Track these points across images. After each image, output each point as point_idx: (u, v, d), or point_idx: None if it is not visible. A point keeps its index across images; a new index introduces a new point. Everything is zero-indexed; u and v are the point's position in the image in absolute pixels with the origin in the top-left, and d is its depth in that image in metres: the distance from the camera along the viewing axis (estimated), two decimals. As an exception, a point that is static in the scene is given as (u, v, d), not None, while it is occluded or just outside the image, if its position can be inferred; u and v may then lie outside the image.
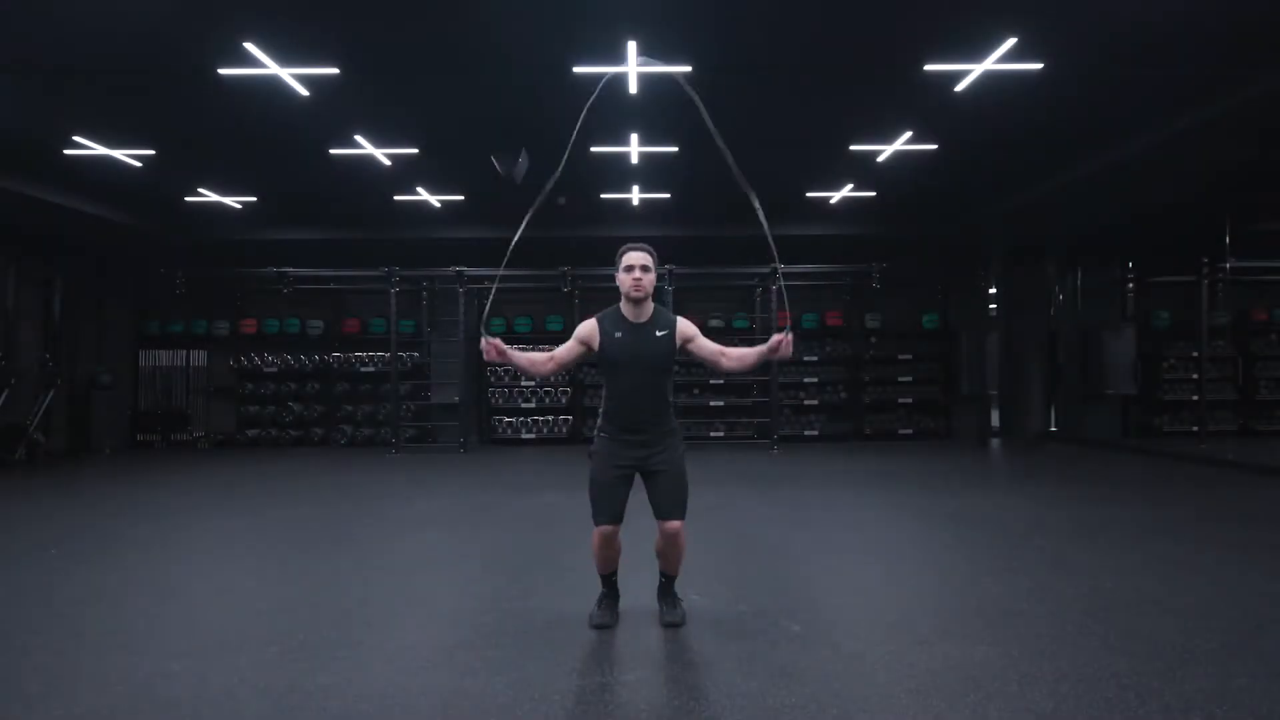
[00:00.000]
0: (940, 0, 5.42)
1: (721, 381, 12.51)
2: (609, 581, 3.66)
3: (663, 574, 3.65)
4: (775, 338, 3.31)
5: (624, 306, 3.48)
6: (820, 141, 8.40)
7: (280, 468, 10.00)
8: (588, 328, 3.50)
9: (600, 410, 3.56)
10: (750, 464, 9.71)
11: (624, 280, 3.43)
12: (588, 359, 3.54)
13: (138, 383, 12.93)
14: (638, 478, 3.48)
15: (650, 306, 3.49)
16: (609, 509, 3.41)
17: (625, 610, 3.69)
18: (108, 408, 12.31)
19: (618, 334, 3.43)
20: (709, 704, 2.71)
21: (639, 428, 3.43)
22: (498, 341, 3.41)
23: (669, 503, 3.43)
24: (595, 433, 3.56)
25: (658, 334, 3.44)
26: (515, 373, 12.46)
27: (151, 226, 11.22)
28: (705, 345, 3.52)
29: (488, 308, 4.29)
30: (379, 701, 2.75)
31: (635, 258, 3.42)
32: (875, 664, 3.05)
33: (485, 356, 3.44)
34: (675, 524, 3.43)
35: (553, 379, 12.60)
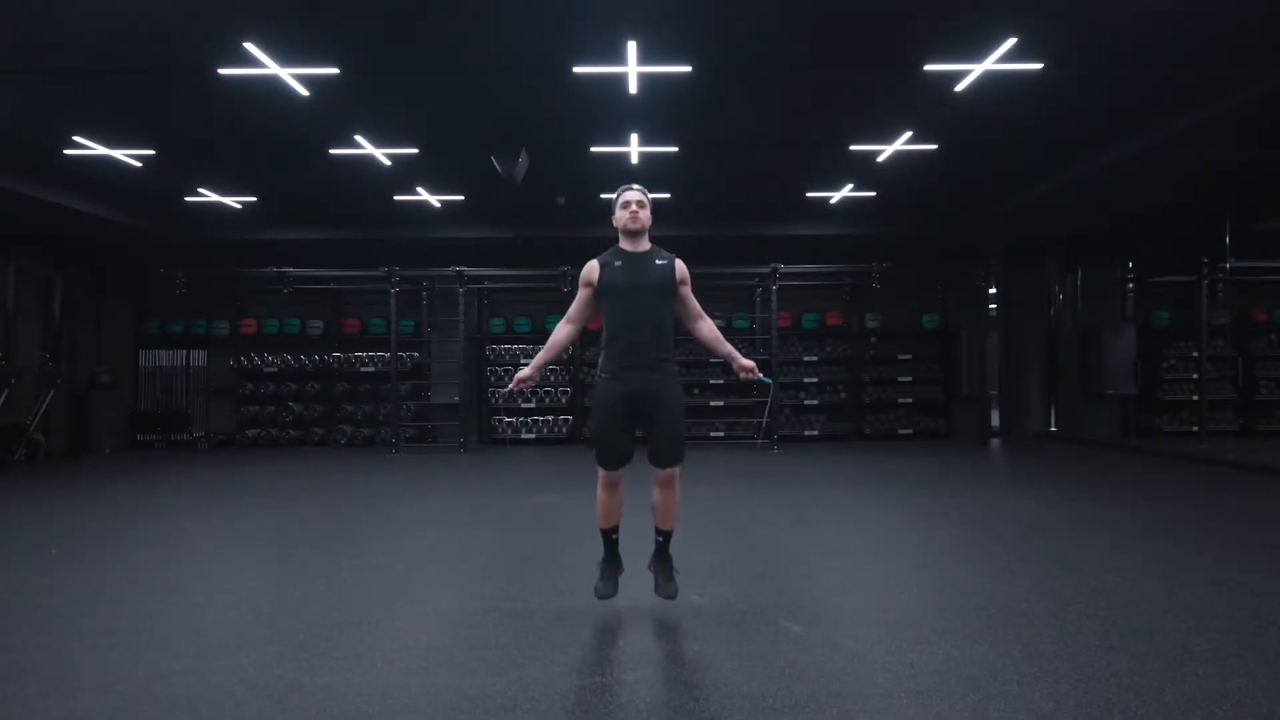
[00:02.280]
0: (940, 0, 5.42)
1: (721, 381, 12.52)
2: (610, 541, 3.69)
3: (659, 532, 3.68)
4: (753, 366, 3.58)
5: (623, 242, 3.61)
6: (820, 141, 8.40)
7: (280, 468, 10.00)
8: (588, 268, 3.62)
9: (600, 348, 3.60)
10: (751, 464, 9.71)
11: (622, 216, 3.58)
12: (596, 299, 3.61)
13: (138, 383, 12.94)
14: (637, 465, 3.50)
15: (648, 242, 3.62)
16: (614, 455, 3.51)
17: (626, 610, 3.69)
18: (108, 408, 12.31)
19: (617, 263, 3.55)
20: (709, 704, 2.70)
21: (639, 360, 3.47)
22: (521, 374, 3.60)
23: (667, 448, 3.51)
24: (596, 375, 3.61)
25: (657, 262, 3.56)
26: (515, 371, 12.45)
27: (151, 226, 11.22)
28: (691, 298, 3.67)
29: (508, 389, 4.30)
30: (379, 701, 2.75)
31: (632, 195, 3.59)
32: (875, 664, 3.05)
33: (525, 389, 3.63)
34: (672, 469, 3.53)
35: (553, 378, 12.62)
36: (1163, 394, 12.60)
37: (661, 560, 3.69)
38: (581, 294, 3.63)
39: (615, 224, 3.62)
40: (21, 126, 7.70)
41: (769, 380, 3.73)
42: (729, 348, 3.69)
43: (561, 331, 3.68)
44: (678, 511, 3.65)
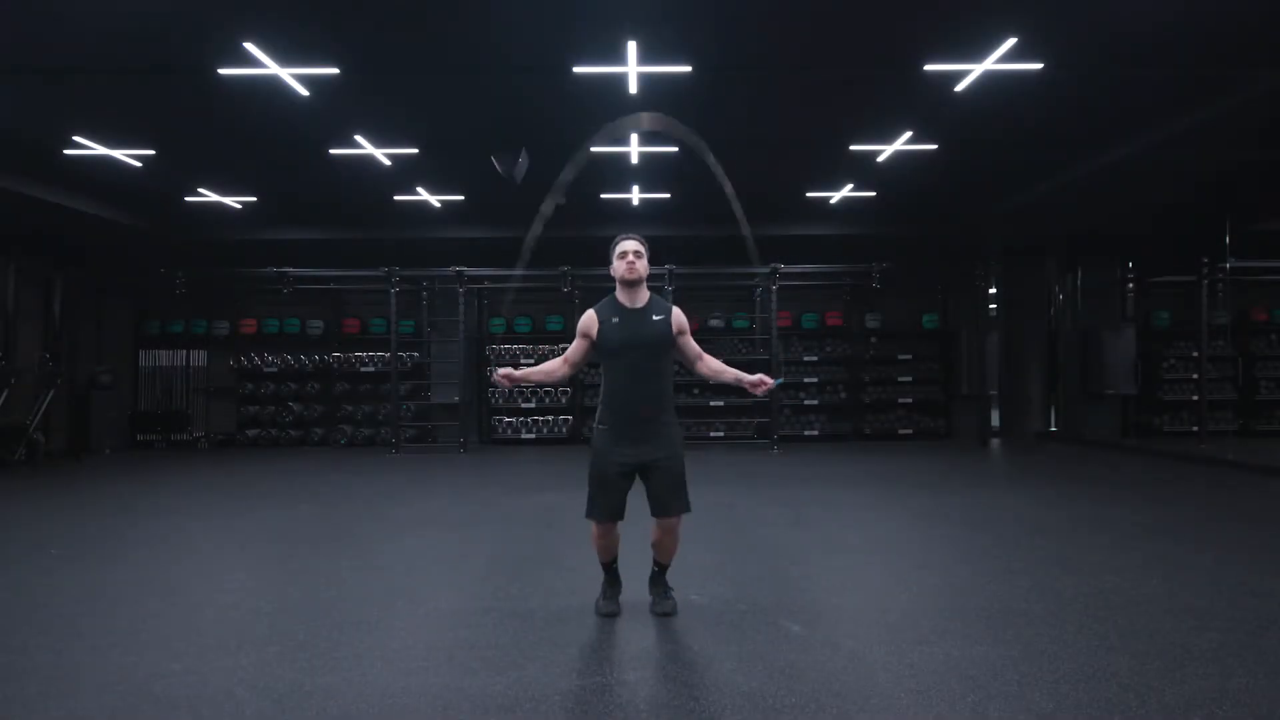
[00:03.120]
0: (940, 0, 5.42)
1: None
2: (610, 569, 3.71)
3: (656, 563, 3.70)
4: (760, 376, 3.49)
5: (619, 294, 3.54)
6: (820, 141, 8.40)
7: (280, 468, 10.00)
8: (586, 319, 3.55)
9: (599, 402, 3.57)
10: (750, 464, 9.71)
11: (618, 266, 3.51)
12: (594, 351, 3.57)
13: (138, 383, 12.94)
14: (637, 479, 3.50)
15: (646, 293, 3.56)
16: (608, 508, 3.46)
17: (626, 610, 3.69)
18: (108, 408, 12.31)
19: (614, 319, 3.49)
20: (709, 704, 2.70)
21: (639, 417, 3.44)
22: (508, 370, 3.49)
23: (669, 500, 3.46)
24: (595, 425, 3.56)
25: (654, 318, 3.49)
26: (509, 370, 12.44)
27: (151, 226, 11.23)
28: (690, 344, 3.63)
29: (495, 353, 4.25)
30: (379, 701, 2.75)
31: (628, 245, 3.52)
32: (875, 664, 3.05)
33: (502, 385, 3.51)
34: (674, 520, 3.50)
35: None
36: (1163, 394, 12.59)
37: (658, 583, 3.72)
38: (579, 343, 3.56)
39: (612, 273, 3.54)
40: (21, 126, 7.70)
41: (781, 379, 3.73)
42: (733, 373, 3.62)
43: (559, 370, 3.59)
44: (677, 547, 3.65)
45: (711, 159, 3.74)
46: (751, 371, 3.66)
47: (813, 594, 4.05)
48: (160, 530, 5.95)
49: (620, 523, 3.54)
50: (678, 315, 3.56)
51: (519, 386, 3.59)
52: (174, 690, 2.87)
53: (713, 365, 3.68)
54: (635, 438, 3.43)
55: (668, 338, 3.50)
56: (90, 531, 5.91)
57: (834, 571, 4.56)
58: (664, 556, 3.66)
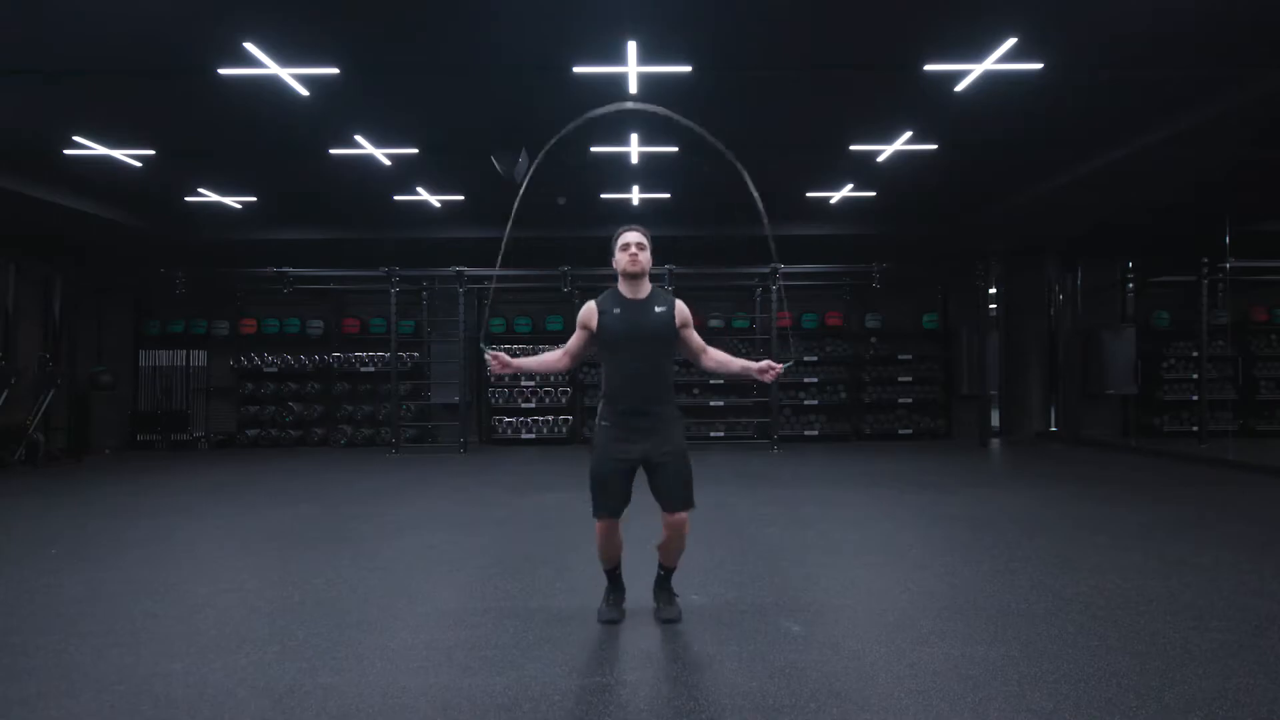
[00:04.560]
0: (940, 0, 5.42)
1: (722, 382, 12.52)
2: (613, 576, 3.67)
3: (661, 566, 3.65)
4: (768, 363, 3.43)
5: (622, 285, 3.50)
6: (820, 141, 8.40)
7: (280, 468, 10.00)
8: (587, 310, 3.51)
9: (601, 396, 3.52)
10: (750, 464, 9.71)
11: (620, 259, 3.47)
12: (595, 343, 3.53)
13: (138, 383, 12.93)
14: (639, 473, 3.46)
15: (648, 285, 3.52)
16: (610, 503, 3.41)
17: (626, 611, 3.69)
18: (108, 408, 12.31)
19: (616, 310, 3.44)
20: (709, 704, 2.70)
21: (640, 410, 3.39)
22: (501, 355, 3.45)
23: (675, 495, 3.40)
24: (596, 420, 3.52)
25: (657, 309, 3.45)
26: (515, 373, 12.44)
27: (151, 226, 11.22)
28: (694, 337, 3.58)
29: (484, 331, 4.24)
30: (379, 701, 2.75)
31: (631, 236, 3.48)
32: (875, 664, 3.05)
33: (491, 371, 3.46)
34: (682, 515, 3.42)
35: (553, 378, 12.61)
36: (1163, 394, 12.60)
37: (662, 589, 3.67)
38: (580, 335, 3.51)
39: (614, 265, 3.49)
40: (21, 126, 7.69)
41: (789, 363, 3.68)
42: (739, 362, 3.57)
43: (558, 361, 3.56)
44: (684, 549, 3.57)
45: (721, 146, 3.68)
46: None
47: (813, 594, 4.05)
48: (160, 530, 5.95)
49: (623, 522, 3.49)
50: (681, 308, 3.51)
51: (515, 376, 3.54)
52: (174, 690, 2.87)
53: (718, 357, 3.61)
54: (637, 433, 3.37)
55: (671, 330, 3.45)
56: (90, 531, 5.91)
57: (834, 571, 4.56)
58: (669, 559, 3.60)
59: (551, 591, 4.09)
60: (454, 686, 2.88)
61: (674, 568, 3.65)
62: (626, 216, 11.46)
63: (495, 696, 2.78)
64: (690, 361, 3.67)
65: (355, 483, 8.54)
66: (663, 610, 3.61)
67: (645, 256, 3.46)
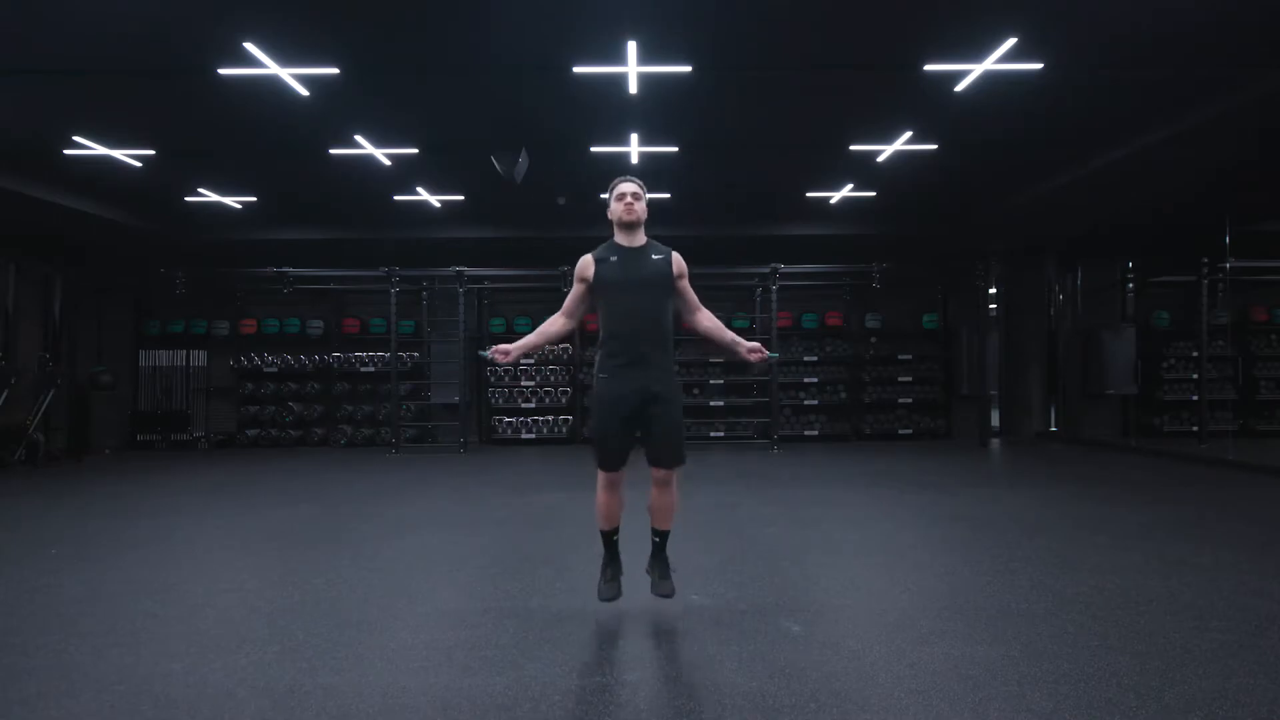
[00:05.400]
0: (940, 0, 5.42)
1: (721, 382, 12.52)
2: (610, 543, 3.66)
3: (655, 532, 3.65)
4: (759, 346, 3.50)
5: (618, 235, 3.54)
6: (820, 141, 8.40)
7: (280, 468, 10.00)
8: (582, 262, 3.54)
9: (598, 349, 3.53)
10: (750, 464, 9.71)
11: (616, 208, 3.51)
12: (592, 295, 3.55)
13: (138, 383, 12.94)
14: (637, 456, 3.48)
15: (644, 236, 3.55)
16: (613, 456, 3.46)
17: (626, 610, 3.69)
18: (108, 408, 12.31)
19: (613, 258, 3.47)
20: (709, 704, 2.70)
21: (639, 360, 3.40)
22: (500, 345, 3.47)
23: (665, 452, 3.45)
24: (595, 374, 3.53)
25: (654, 257, 3.49)
26: (515, 372, 12.48)
27: (151, 226, 11.22)
28: (689, 291, 3.61)
29: (487, 340, 4.25)
30: (379, 701, 2.75)
31: (627, 186, 3.53)
32: (875, 664, 3.05)
33: (500, 362, 3.48)
34: (670, 473, 3.47)
35: (553, 378, 12.61)
36: (1163, 394, 12.60)
37: (658, 560, 3.67)
38: (576, 289, 3.56)
39: (610, 216, 3.55)
40: (21, 126, 7.69)
41: (775, 355, 3.70)
42: (731, 335, 3.64)
43: (555, 323, 3.60)
44: (675, 508, 3.61)
45: None
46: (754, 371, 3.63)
47: (813, 594, 4.05)
48: (160, 530, 5.95)
49: (625, 472, 3.51)
50: (677, 259, 3.55)
51: (515, 376, 3.55)
52: (174, 690, 2.87)
53: (712, 320, 3.66)
54: (635, 375, 3.40)
55: (668, 277, 3.48)
56: (90, 531, 5.91)
57: (834, 571, 4.56)
58: (662, 521, 3.61)
59: (551, 591, 4.09)
60: (454, 686, 2.88)
61: (668, 531, 3.65)
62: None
63: (495, 696, 2.78)
64: (684, 318, 3.68)
65: (355, 483, 8.54)
66: (658, 585, 3.62)
67: (641, 206, 3.51)
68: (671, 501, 3.57)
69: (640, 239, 3.53)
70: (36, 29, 5.62)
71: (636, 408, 3.42)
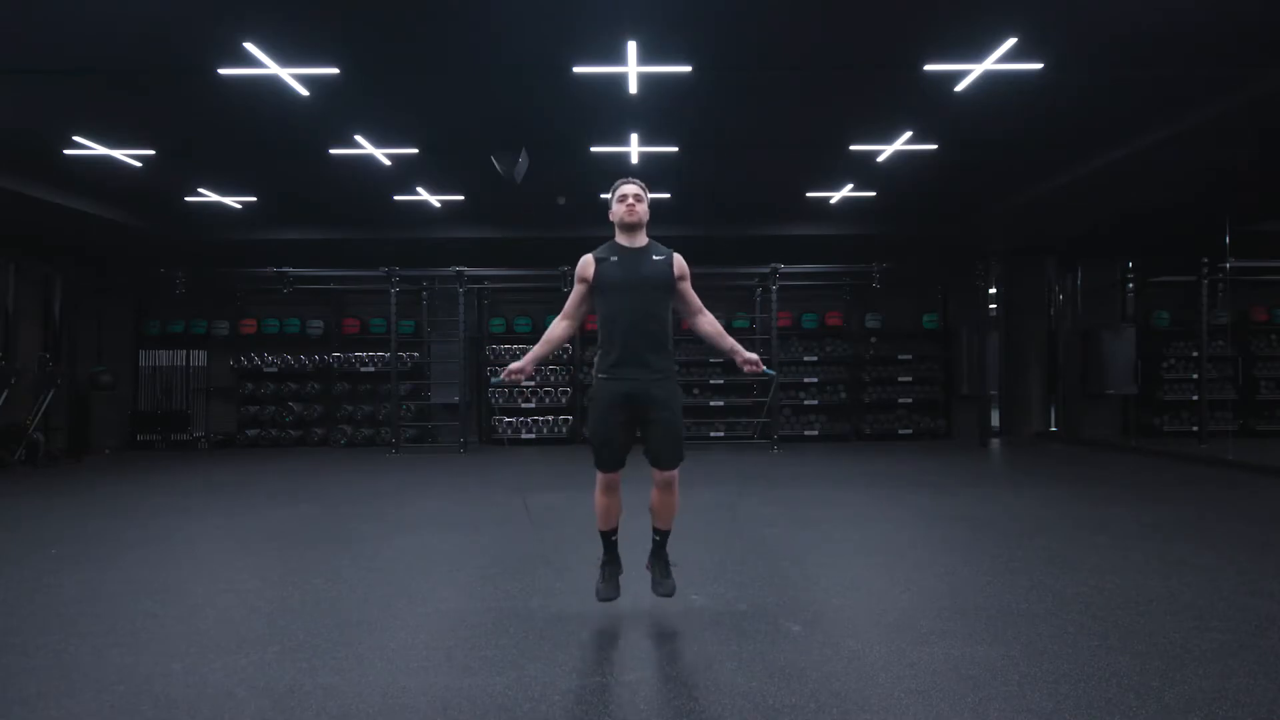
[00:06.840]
0: (940, 0, 5.42)
1: (722, 382, 12.52)
2: (610, 543, 3.66)
3: (656, 531, 3.65)
4: (756, 359, 3.48)
5: (619, 237, 3.54)
6: (820, 141, 8.40)
7: (280, 468, 10.00)
8: (583, 262, 3.54)
9: (597, 349, 3.54)
10: (751, 464, 9.71)
11: (618, 210, 3.51)
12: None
13: (138, 383, 12.94)
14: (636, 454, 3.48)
15: (645, 237, 3.55)
16: (611, 457, 3.46)
17: (626, 610, 3.69)
18: (108, 408, 12.31)
19: (613, 259, 3.47)
20: (709, 704, 2.70)
21: (638, 360, 3.40)
22: (512, 366, 3.51)
23: (667, 450, 3.44)
24: (593, 375, 3.54)
25: (655, 258, 3.49)
26: (533, 367, 12.44)
27: (151, 226, 11.22)
28: (690, 293, 3.61)
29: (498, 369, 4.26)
30: (379, 701, 2.75)
31: (629, 188, 3.53)
32: (875, 664, 3.05)
33: (520, 382, 3.52)
34: (672, 472, 3.47)
35: (553, 378, 12.61)
36: (1163, 394, 12.60)
37: (658, 559, 3.67)
38: (577, 289, 3.55)
39: (611, 218, 3.55)
40: (21, 126, 7.69)
41: (773, 372, 3.68)
42: (731, 341, 3.62)
43: (558, 328, 3.60)
44: (676, 508, 3.61)
45: None
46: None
47: (813, 594, 4.05)
48: (160, 530, 5.95)
49: (623, 472, 3.50)
50: (679, 260, 3.54)
51: (524, 374, 3.55)
52: (174, 690, 2.87)
53: (713, 324, 3.64)
54: (634, 375, 3.39)
55: (668, 279, 3.47)
56: (90, 531, 5.91)
57: (834, 571, 4.56)
58: (663, 521, 3.61)
59: (551, 591, 4.09)
60: (454, 686, 2.88)
61: (669, 530, 3.64)
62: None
63: (495, 696, 2.78)
64: (684, 320, 3.68)
65: (355, 483, 8.54)
66: (658, 584, 3.62)
67: (643, 208, 3.51)
68: (673, 502, 3.57)
69: (642, 240, 3.53)
70: (36, 29, 5.62)
71: (635, 409, 3.42)
